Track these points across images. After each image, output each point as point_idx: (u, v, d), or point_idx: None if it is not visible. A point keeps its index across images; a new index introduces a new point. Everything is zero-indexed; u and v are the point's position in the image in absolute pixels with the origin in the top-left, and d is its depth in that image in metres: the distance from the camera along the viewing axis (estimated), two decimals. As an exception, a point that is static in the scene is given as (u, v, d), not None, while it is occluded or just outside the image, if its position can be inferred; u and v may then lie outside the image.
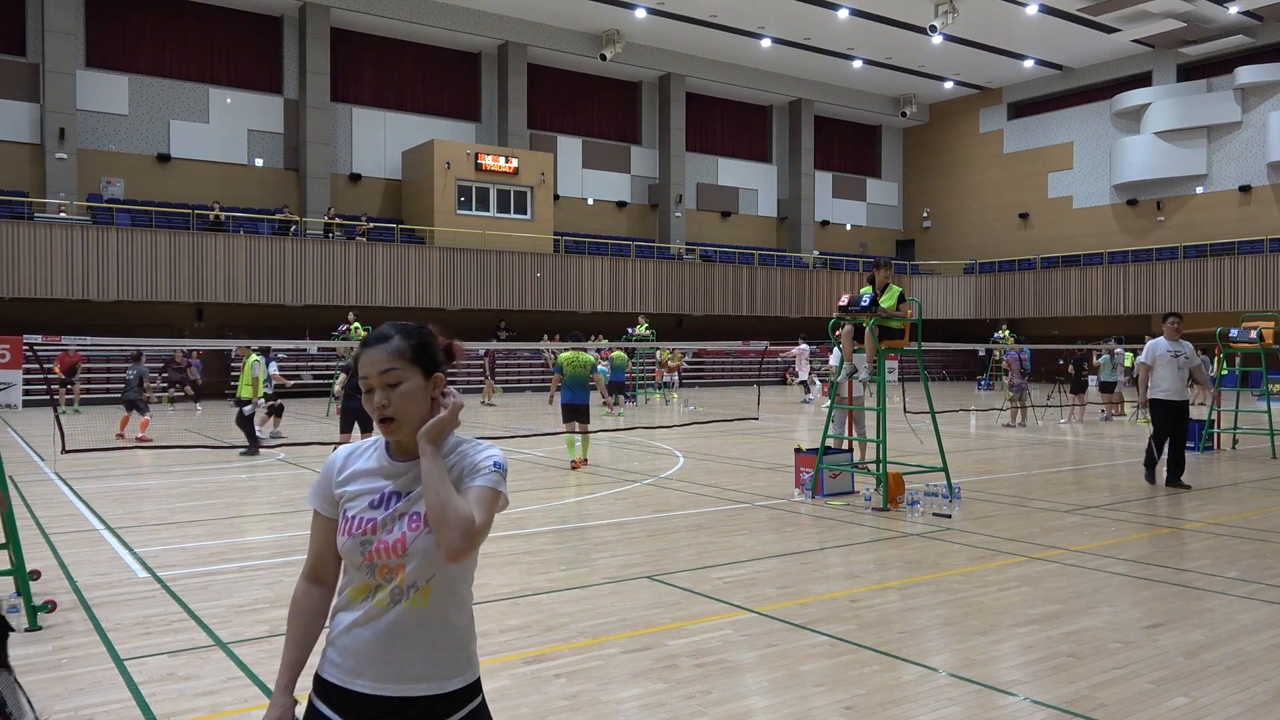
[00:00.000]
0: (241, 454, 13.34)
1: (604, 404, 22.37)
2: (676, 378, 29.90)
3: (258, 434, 13.91)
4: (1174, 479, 10.37)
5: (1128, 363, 23.93)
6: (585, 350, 12.35)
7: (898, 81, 41.04)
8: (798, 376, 27.39)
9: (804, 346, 27.14)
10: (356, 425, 11.28)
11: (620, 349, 22.61)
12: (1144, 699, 4.13)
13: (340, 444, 10.90)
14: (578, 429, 12.21)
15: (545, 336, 29.51)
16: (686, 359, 31.43)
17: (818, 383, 26.47)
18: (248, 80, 30.82)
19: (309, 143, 30.69)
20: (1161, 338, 10.61)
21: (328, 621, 2.08)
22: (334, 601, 2.08)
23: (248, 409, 13.43)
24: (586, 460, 12.34)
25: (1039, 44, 36.47)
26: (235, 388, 15.26)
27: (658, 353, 28.31)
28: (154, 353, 23.77)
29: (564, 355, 12.31)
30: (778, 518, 8.66)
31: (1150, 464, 10.70)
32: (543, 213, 33.44)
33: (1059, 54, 37.69)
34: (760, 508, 9.14)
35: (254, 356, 13.71)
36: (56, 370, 22.20)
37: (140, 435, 15.14)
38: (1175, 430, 10.40)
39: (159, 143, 29.26)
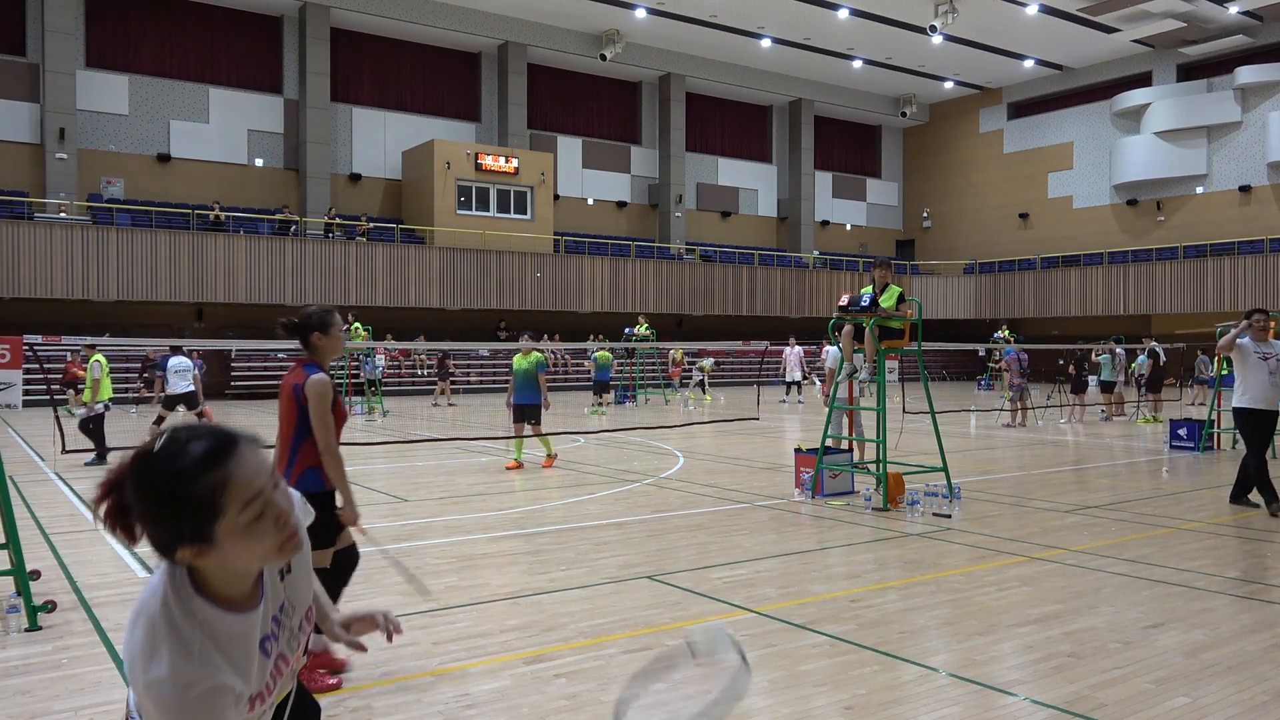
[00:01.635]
0: (87, 463, 12.13)
1: (595, 404, 22.41)
2: (703, 378, 29.98)
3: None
4: (1273, 498, 8.88)
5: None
6: (539, 349, 12.05)
7: (898, 81, 41.04)
8: (784, 378, 27.46)
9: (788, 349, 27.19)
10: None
11: (606, 349, 22.56)
12: (1144, 699, 4.12)
13: None
14: (528, 430, 12.01)
15: (545, 336, 29.51)
16: (688, 358, 31.34)
17: (818, 383, 26.43)
18: (248, 80, 30.83)
19: (309, 143, 30.70)
20: (1245, 337, 9.22)
21: None
22: None
23: (90, 411, 12.33)
24: (555, 456, 12.25)
25: (1039, 44, 36.47)
26: (238, 388, 15.02)
27: (672, 351, 28.26)
28: (143, 353, 23.73)
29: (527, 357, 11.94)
30: (778, 518, 8.66)
31: (1244, 488, 9.25)
32: (543, 213, 33.45)
33: (1059, 54, 37.69)
34: (760, 508, 9.13)
35: (95, 357, 12.59)
36: (65, 376, 22.22)
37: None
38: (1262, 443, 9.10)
39: (159, 143, 29.27)
